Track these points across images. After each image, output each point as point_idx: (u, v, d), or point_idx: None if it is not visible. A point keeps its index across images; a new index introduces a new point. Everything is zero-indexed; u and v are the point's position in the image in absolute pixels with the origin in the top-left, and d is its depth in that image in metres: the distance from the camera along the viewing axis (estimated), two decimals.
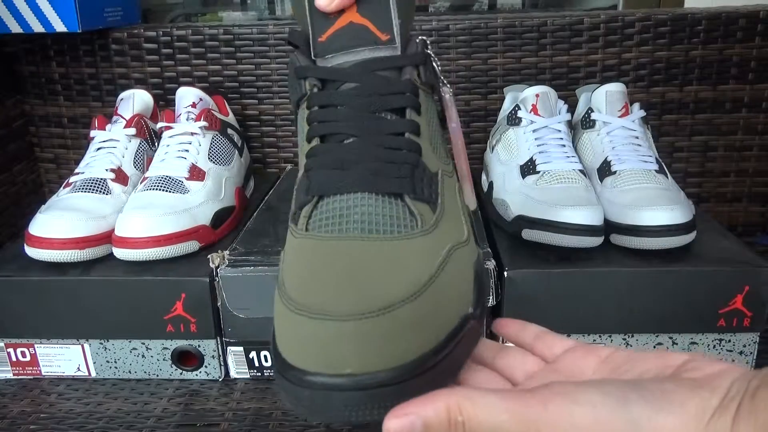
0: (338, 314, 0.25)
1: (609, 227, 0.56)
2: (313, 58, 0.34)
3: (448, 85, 0.38)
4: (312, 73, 0.34)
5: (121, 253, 0.56)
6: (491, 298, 0.53)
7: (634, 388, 0.26)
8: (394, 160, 0.32)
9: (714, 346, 0.55)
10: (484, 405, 0.26)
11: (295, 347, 0.26)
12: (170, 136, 0.65)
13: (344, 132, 0.33)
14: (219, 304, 0.55)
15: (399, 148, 0.32)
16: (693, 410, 0.25)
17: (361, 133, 0.32)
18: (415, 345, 0.26)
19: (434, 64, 0.37)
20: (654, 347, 0.55)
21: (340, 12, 0.33)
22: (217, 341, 0.56)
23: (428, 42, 0.36)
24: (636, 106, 0.65)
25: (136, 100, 0.70)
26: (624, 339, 0.55)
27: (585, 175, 0.60)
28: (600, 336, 0.55)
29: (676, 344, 0.55)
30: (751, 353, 0.55)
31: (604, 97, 0.65)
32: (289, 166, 0.84)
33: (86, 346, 0.58)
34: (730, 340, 0.55)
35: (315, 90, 0.34)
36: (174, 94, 0.70)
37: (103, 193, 0.61)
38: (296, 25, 0.78)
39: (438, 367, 0.27)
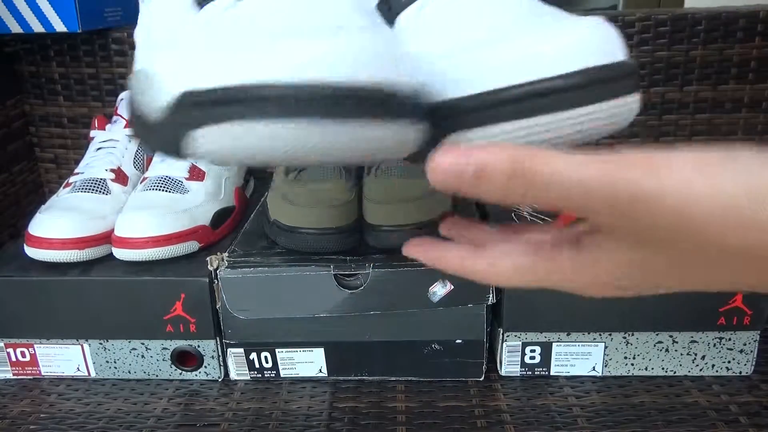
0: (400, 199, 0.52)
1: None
2: None
3: None
4: None
5: (120, 253, 0.56)
6: (491, 296, 0.53)
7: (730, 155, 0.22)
8: None
9: (714, 345, 0.55)
10: (562, 161, 0.22)
11: (383, 216, 0.52)
12: None
13: None
14: (218, 306, 0.55)
15: None
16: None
17: None
18: (425, 215, 0.51)
19: None
20: (654, 346, 0.55)
21: None
22: (216, 341, 0.56)
23: None
24: None
25: None
26: (624, 338, 0.55)
27: None
28: (600, 334, 0.55)
29: (677, 342, 0.55)
30: (751, 351, 0.55)
31: None
32: None
33: (86, 346, 0.58)
34: (730, 339, 0.55)
35: None
36: None
37: (103, 193, 0.61)
38: None
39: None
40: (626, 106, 0.26)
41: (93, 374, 0.59)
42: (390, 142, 0.25)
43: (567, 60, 0.25)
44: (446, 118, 0.25)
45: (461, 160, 0.22)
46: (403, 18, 0.32)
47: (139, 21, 0.39)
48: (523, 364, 0.56)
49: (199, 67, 0.24)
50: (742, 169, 0.21)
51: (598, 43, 0.25)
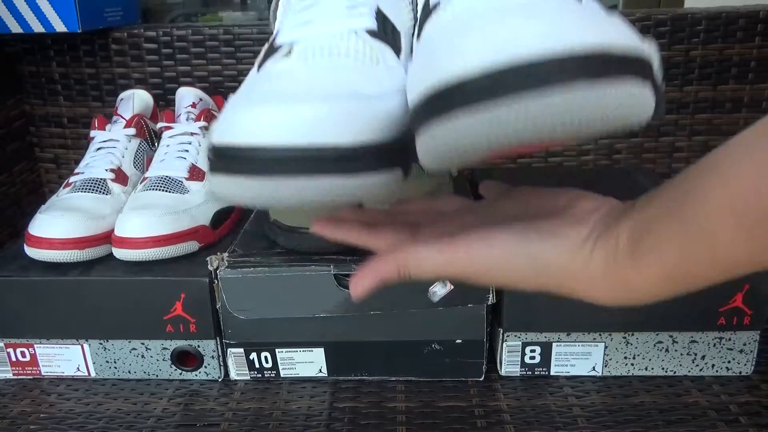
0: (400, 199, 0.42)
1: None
2: None
3: None
4: None
5: (120, 253, 0.56)
6: (491, 296, 0.53)
7: (533, 228, 0.31)
8: None
9: (714, 345, 0.55)
10: (425, 257, 0.33)
11: None
12: (170, 136, 0.65)
13: None
14: (218, 306, 0.55)
15: None
16: (571, 242, 0.30)
17: None
18: None
19: None
20: (654, 346, 0.55)
21: None
22: (216, 341, 0.56)
23: None
24: None
25: (136, 100, 0.70)
26: (624, 337, 0.55)
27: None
28: (600, 334, 0.55)
29: (677, 342, 0.55)
30: (751, 351, 0.55)
31: None
32: None
33: (86, 346, 0.58)
34: (730, 339, 0.55)
35: None
36: (174, 94, 0.70)
37: (103, 193, 0.61)
38: None
39: None
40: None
41: (93, 374, 0.59)
42: (366, 191, 0.28)
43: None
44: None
45: (366, 283, 0.34)
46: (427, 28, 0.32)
47: None
48: (523, 364, 0.56)
49: (218, 125, 0.28)
50: (527, 249, 0.31)
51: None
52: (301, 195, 0.27)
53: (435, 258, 0.32)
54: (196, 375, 0.58)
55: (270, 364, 0.57)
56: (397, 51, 0.35)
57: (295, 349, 0.56)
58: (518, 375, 0.57)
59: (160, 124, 0.67)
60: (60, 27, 0.70)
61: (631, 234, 0.28)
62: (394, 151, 0.29)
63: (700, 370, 0.56)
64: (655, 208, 0.28)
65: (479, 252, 0.31)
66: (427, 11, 0.32)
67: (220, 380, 0.58)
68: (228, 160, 0.27)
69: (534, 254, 0.30)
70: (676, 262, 0.27)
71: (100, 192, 0.61)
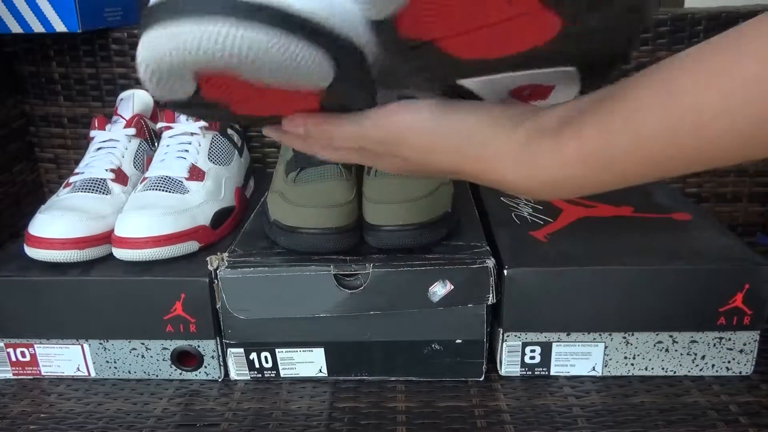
0: (400, 200, 0.55)
1: None
2: None
3: None
4: None
5: (120, 253, 0.56)
6: (491, 296, 0.53)
7: (460, 102, 0.31)
8: None
9: (714, 345, 0.55)
10: (348, 118, 0.32)
11: (383, 216, 0.54)
12: (170, 136, 0.66)
13: None
14: (218, 306, 0.55)
15: None
16: (496, 115, 0.30)
17: None
18: (425, 215, 0.54)
19: None
20: (654, 346, 0.55)
21: None
22: (216, 341, 0.56)
23: None
24: None
25: (136, 100, 0.70)
26: (624, 337, 0.55)
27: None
28: (600, 334, 0.55)
29: (677, 342, 0.55)
30: (751, 351, 0.55)
31: None
32: None
33: (86, 346, 0.58)
34: (730, 339, 0.55)
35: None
36: None
37: (103, 193, 0.61)
38: None
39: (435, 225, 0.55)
40: None
41: (93, 374, 0.59)
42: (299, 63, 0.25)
43: None
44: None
45: (272, 132, 0.37)
46: None
47: None
48: (523, 364, 0.56)
49: None
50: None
51: None
52: (201, 42, 0.24)
53: (356, 118, 0.32)
54: (196, 375, 0.58)
55: (270, 364, 0.57)
56: None
57: (295, 349, 0.56)
58: (518, 375, 0.57)
59: (160, 124, 0.67)
60: (60, 27, 0.70)
61: (559, 117, 0.28)
62: (317, 25, 0.25)
63: (700, 370, 0.56)
64: (589, 99, 0.28)
65: (404, 116, 0.31)
66: None
67: (220, 380, 0.58)
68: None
69: (456, 123, 0.30)
70: (595, 145, 0.27)
71: (100, 192, 0.61)
